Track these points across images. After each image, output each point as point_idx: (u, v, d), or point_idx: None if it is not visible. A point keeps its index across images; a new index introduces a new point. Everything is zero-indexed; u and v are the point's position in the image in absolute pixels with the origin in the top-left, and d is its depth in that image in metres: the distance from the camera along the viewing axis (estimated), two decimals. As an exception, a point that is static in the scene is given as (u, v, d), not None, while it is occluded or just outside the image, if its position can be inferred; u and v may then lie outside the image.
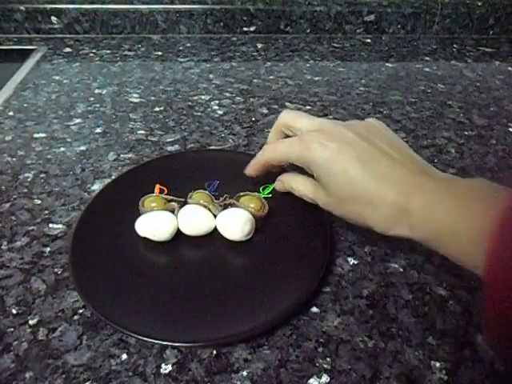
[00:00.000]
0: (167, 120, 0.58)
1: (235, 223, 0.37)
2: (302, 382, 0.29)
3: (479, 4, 0.88)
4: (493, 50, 0.86)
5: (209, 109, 0.61)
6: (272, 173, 0.41)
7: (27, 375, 0.29)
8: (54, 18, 0.81)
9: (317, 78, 0.71)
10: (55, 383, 0.29)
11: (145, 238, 0.38)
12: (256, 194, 0.40)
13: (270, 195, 0.41)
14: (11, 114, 0.59)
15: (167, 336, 0.30)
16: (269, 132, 0.56)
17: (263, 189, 0.42)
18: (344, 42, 0.86)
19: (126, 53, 0.78)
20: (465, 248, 0.26)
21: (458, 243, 0.27)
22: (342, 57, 0.80)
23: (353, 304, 0.35)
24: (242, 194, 0.40)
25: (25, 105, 0.61)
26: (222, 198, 0.40)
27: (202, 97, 0.64)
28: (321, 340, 0.32)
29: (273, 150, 0.38)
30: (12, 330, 0.32)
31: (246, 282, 0.35)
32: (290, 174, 0.40)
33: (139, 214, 0.38)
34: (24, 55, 0.75)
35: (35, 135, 0.54)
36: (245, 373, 0.30)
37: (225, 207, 0.39)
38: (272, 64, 0.76)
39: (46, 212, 0.43)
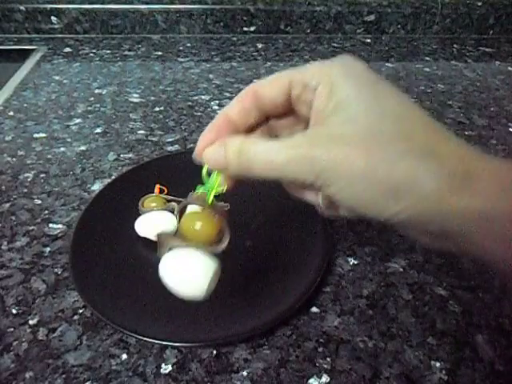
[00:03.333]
0: (167, 120, 0.58)
1: (194, 283, 0.25)
2: (302, 382, 0.29)
3: (479, 4, 0.88)
4: (493, 50, 0.85)
5: (209, 109, 0.61)
6: None
7: (27, 375, 0.29)
8: (53, 18, 0.81)
9: (317, 78, 0.71)
10: (55, 383, 0.29)
11: (145, 237, 0.38)
12: (205, 202, 0.26)
13: (224, 187, 0.25)
14: (11, 113, 0.59)
15: (167, 336, 0.30)
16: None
17: (209, 173, 0.25)
18: (344, 42, 0.86)
19: (126, 53, 0.78)
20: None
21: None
22: (342, 57, 0.80)
23: (353, 304, 0.35)
24: (184, 204, 0.27)
25: (25, 105, 0.61)
26: (161, 234, 0.27)
27: (202, 97, 0.64)
28: (321, 340, 0.32)
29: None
30: (12, 329, 0.32)
31: (245, 282, 0.35)
32: (237, 136, 0.24)
33: (139, 214, 0.38)
34: (24, 55, 0.75)
35: (35, 135, 0.54)
36: (245, 373, 0.30)
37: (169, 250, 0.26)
38: (272, 64, 0.76)
39: (46, 212, 0.43)
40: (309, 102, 0.23)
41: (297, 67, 0.24)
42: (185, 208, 0.26)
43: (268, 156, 0.21)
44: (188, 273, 0.25)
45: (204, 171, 0.25)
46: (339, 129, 0.21)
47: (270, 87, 0.24)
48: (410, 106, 0.21)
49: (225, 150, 0.23)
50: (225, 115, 0.25)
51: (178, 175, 0.44)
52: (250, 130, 0.26)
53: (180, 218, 0.26)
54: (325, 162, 0.20)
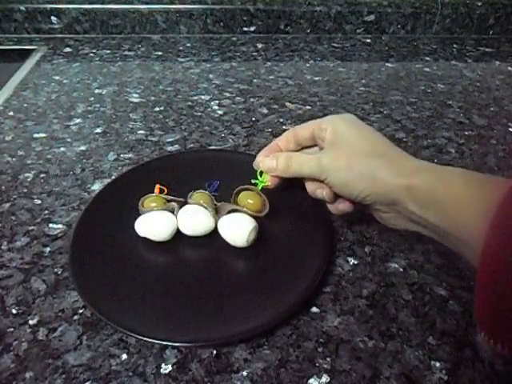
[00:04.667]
0: (167, 120, 0.58)
1: (240, 232, 0.36)
2: (302, 381, 0.29)
3: (479, 4, 0.88)
4: (493, 50, 0.86)
5: (209, 109, 0.61)
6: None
7: (27, 375, 0.29)
8: (53, 18, 0.81)
9: (317, 78, 0.71)
10: (55, 383, 0.29)
11: (145, 238, 0.38)
12: (255, 188, 0.39)
13: (269, 183, 0.39)
14: (11, 114, 0.59)
15: (167, 336, 0.30)
16: (269, 132, 0.56)
17: (261, 174, 0.39)
18: (344, 42, 0.86)
19: (126, 53, 0.78)
20: (464, 217, 0.28)
21: (457, 211, 0.28)
22: (342, 57, 0.80)
23: (353, 304, 0.35)
24: (241, 187, 0.40)
25: (25, 105, 0.61)
26: (220, 203, 0.39)
27: (202, 97, 0.64)
28: (321, 340, 0.32)
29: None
30: (12, 330, 0.32)
31: (245, 282, 0.35)
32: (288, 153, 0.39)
33: (139, 214, 0.38)
34: (24, 55, 0.75)
35: (35, 135, 0.54)
36: (245, 373, 0.30)
37: (227, 213, 0.39)
38: (272, 64, 0.76)
39: (46, 212, 0.43)
40: (323, 138, 0.37)
41: (318, 119, 0.38)
42: (240, 190, 0.40)
43: (300, 162, 0.37)
44: (236, 226, 0.37)
45: (258, 172, 0.39)
46: (336, 148, 0.35)
47: (303, 130, 0.39)
48: (378, 136, 0.36)
49: (276, 159, 0.38)
50: (275, 143, 0.40)
51: (177, 175, 0.45)
52: None
53: (235, 196, 0.40)
54: (325, 162, 0.35)
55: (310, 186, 0.38)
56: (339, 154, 0.35)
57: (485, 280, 0.24)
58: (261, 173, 0.39)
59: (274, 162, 0.38)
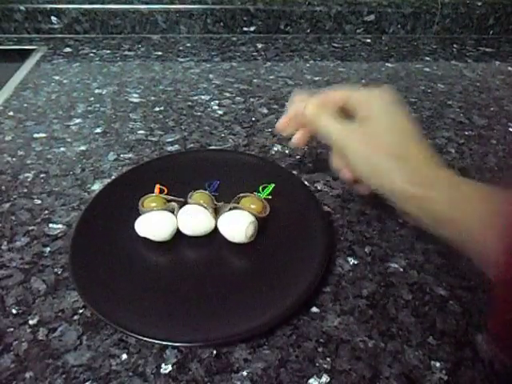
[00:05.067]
0: (167, 120, 0.58)
1: (239, 226, 0.37)
2: (302, 382, 0.29)
3: (479, 4, 0.88)
4: (493, 50, 0.85)
5: (209, 109, 0.61)
6: (272, 174, 0.43)
7: (27, 375, 0.29)
8: (53, 18, 0.81)
9: (317, 78, 0.71)
10: (55, 383, 0.29)
11: (145, 238, 0.38)
12: (256, 195, 0.41)
13: (270, 196, 0.41)
14: (11, 114, 0.59)
15: (167, 336, 0.30)
16: (269, 132, 0.56)
17: (263, 189, 0.42)
18: (344, 42, 0.86)
19: (126, 53, 0.78)
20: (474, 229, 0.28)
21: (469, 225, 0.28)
22: (342, 57, 0.80)
23: (353, 304, 0.35)
24: (242, 195, 0.40)
25: (25, 105, 0.61)
26: (222, 203, 0.40)
27: (202, 97, 0.64)
28: (321, 340, 0.32)
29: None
30: (12, 330, 0.32)
31: (245, 282, 0.35)
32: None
33: (139, 214, 0.38)
34: (24, 55, 0.75)
35: (35, 135, 0.54)
36: (245, 373, 0.30)
37: (228, 210, 0.39)
38: (272, 64, 0.76)
39: (46, 212, 0.43)
40: (356, 112, 0.36)
41: (354, 89, 0.38)
42: (241, 197, 0.40)
43: (328, 120, 0.36)
44: (234, 221, 0.37)
45: (260, 188, 0.42)
46: (362, 130, 0.34)
47: (336, 95, 0.38)
48: (407, 123, 0.34)
49: (306, 103, 0.37)
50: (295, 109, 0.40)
51: (177, 175, 0.45)
52: None
53: (237, 201, 0.40)
54: (349, 138, 0.35)
55: (336, 162, 0.39)
56: (362, 138, 0.34)
57: (502, 292, 0.24)
58: (263, 188, 0.41)
59: (303, 104, 0.37)
